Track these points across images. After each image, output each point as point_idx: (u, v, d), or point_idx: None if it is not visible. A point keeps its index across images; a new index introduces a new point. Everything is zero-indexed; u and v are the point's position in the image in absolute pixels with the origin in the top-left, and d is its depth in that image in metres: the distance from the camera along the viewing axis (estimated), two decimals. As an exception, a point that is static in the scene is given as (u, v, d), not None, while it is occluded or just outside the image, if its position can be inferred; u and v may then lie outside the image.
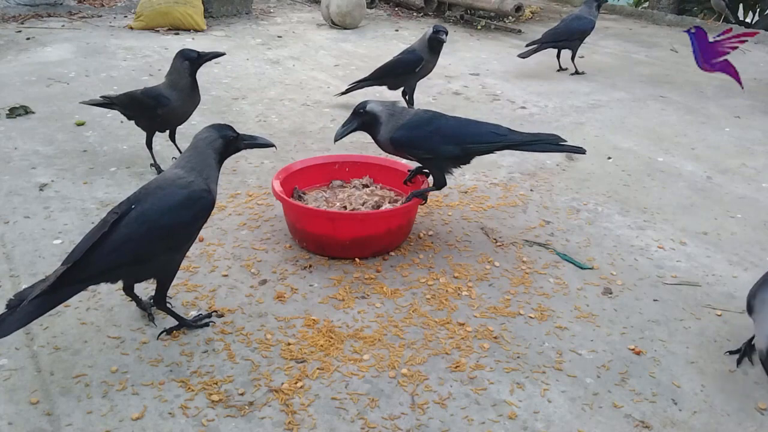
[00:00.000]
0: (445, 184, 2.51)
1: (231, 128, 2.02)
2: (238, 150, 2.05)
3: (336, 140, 2.49)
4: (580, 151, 2.50)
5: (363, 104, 2.46)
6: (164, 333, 1.98)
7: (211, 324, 2.04)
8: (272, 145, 2.12)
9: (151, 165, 3.10)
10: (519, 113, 4.14)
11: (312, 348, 1.96)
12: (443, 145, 2.42)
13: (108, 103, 3.10)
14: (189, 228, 1.89)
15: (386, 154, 3.28)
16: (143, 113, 3.00)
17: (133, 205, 1.81)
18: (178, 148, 3.14)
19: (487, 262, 2.46)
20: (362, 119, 2.45)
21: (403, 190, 2.68)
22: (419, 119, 2.47)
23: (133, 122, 3.12)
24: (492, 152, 2.55)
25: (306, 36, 6.11)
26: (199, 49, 2.92)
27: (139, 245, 1.78)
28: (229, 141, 1.99)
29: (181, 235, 1.88)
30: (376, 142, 2.51)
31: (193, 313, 2.09)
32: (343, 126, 2.48)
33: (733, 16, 7.69)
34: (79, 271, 1.71)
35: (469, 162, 2.54)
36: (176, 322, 2.00)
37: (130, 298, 2.03)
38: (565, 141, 2.47)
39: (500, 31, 6.66)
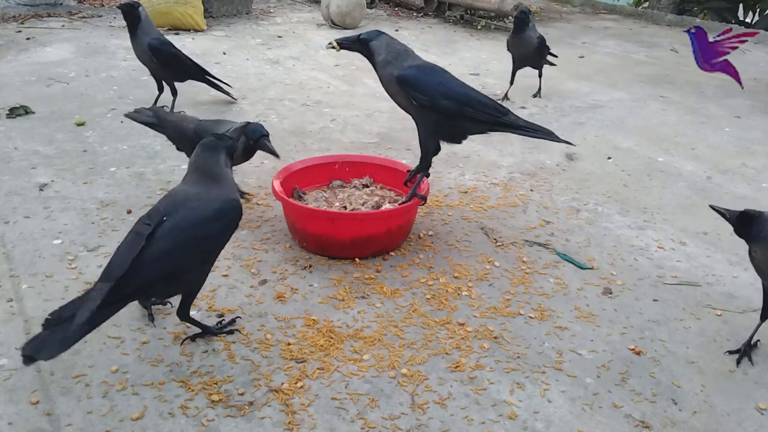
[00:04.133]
0: (430, 166, 2.53)
1: (224, 136, 2.00)
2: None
3: (327, 46, 2.59)
4: (569, 143, 2.58)
5: (367, 35, 2.53)
6: (188, 340, 1.97)
7: (235, 331, 2.01)
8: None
9: None
10: (519, 113, 4.13)
11: (312, 348, 1.96)
12: (443, 99, 2.42)
13: (156, 123, 2.78)
14: (222, 238, 1.84)
15: (386, 153, 3.29)
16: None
17: (164, 216, 1.74)
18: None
19: (487, 262, 2.46)
20: (359, 46, 2.54)
21: (403, 190, 2.68)
22: (430, 66, 2.50)
23: (133, 122, 3.01)
24: (487, 129, 2.52)
25: (306, 36, 6.12)
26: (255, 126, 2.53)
27: (177, 258, 1.72)
28: (231, 149, 1.99)
29: (215, 246, 1.84)
30: (378, 75, 2.53)
31: (193, 312, 2.09)
32: (344, 37, 2.58)
33: (733, 15, 7.69)
34: (123, 287, 1.63)
35: (460, 141, 2.54)
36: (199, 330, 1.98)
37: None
38: (558, 136, 2.50)
39: (500, 31, 6.66)
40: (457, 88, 2.48)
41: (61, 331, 1.56)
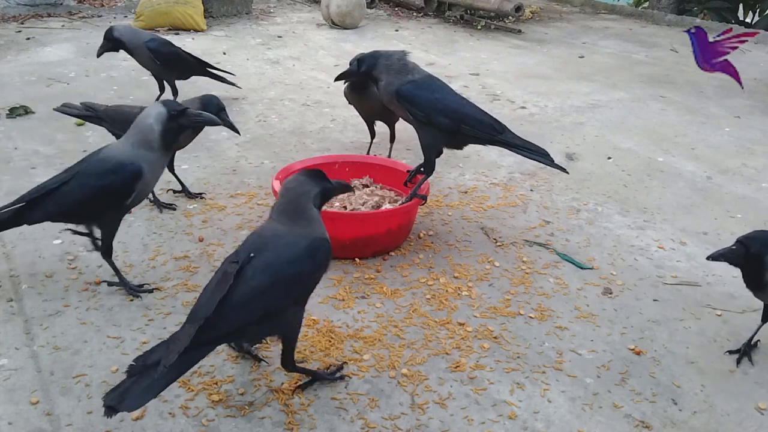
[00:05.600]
0: (434, 169, 2.55)
1: (321, 174, 1.82)
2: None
3: (335, 79, 2.69)
4: (563, 170, 2.57)
5: (364, 63, 2.53)
6: (298, 390, 1.80)
7: (344, 377, 1.86)
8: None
9: (163, 204, 2.70)
10: (519, 113, 4.14)
11: (312, 348, 1.96)
12: (440, 116, 2.44)
13: (90, 115, 2.72)
14: (313, 278, 1.71)
15: (386, 153, 3.29)
16: None
17: (252, 254, 1.62)
18: (177, 179, 2.83)
19: (487, 262, 2.46)
20: (364, 76, 2.57)
21: (403, 190, 2.68)
22: (430, 82, 2.51)
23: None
24: (483, 144, 2.56)
25: (306, 36, 6.12)
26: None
27: (268, 298, 1.59)
28: (327, 191, 1.84)
29: (307, 285, 1.71)
30: (378, 90, 2.54)
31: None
32: (342, 73, 2.63)
33: (733, 15, 7.69)
34: (211, 329, 1.52)
35: (461, 147, 2.59)
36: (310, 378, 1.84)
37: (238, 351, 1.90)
38: (552, 159, 2.51)
39: (500, 31, 6.66)
40: (455, 105, 2.48)
41: (146, 379, 1.46)
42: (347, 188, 1.94)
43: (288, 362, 1.74)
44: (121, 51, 3.79)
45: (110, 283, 2.20)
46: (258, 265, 1.60)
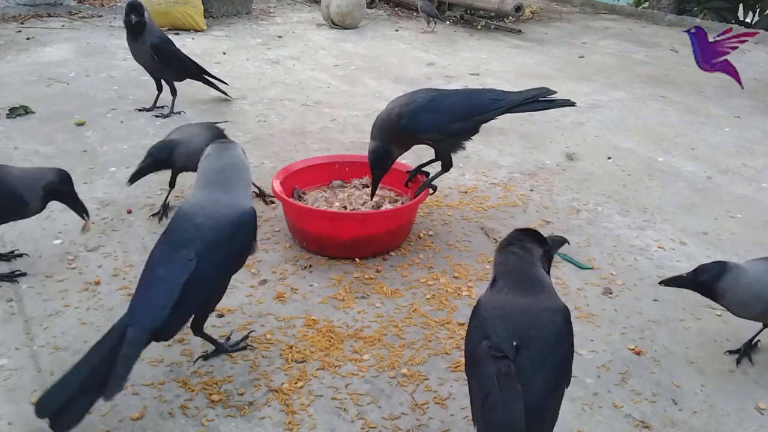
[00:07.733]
0: (452, 165, 2.56)
1: (539, 238, 1.61)
2: None
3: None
4: (568, 103, 2.57)
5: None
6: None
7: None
8: None
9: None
10: (519, 113, 4.13)
11: (312, 348, 1.96)
12: (453, 124, 2.43)
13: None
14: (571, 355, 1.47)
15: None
16: None
17: (515, 342, 1.36)
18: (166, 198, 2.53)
19: (487, 262, 2.46)
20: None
21: (403, 191, 2.69)
22: (419, 105, 2.42)
23: (133, 122, 2.79)
24: (495, 118, 2.52)
25: (306, 36, 6.12)
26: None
27: (554, 395, 1.36)
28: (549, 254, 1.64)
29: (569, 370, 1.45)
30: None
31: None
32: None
33: (733, 15, 7.67)
34: None
35: (478, 131, 2.55)
36: None
37: None
38: (555, 92, 2.53)
39: (500, 31, 6.66)
40: (460, 108, 2.46)
41: None
42: (564, 241, 1.75)
43: None
44: (120, 50, 3.76)
45: (205, 358, 1.89)
46: (531, 359, 1.35)
